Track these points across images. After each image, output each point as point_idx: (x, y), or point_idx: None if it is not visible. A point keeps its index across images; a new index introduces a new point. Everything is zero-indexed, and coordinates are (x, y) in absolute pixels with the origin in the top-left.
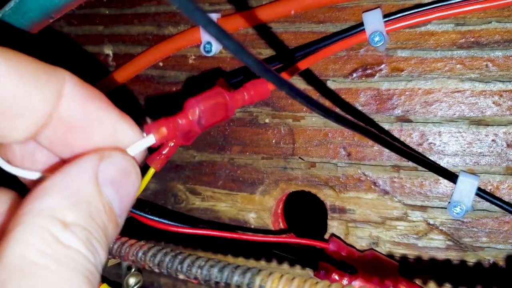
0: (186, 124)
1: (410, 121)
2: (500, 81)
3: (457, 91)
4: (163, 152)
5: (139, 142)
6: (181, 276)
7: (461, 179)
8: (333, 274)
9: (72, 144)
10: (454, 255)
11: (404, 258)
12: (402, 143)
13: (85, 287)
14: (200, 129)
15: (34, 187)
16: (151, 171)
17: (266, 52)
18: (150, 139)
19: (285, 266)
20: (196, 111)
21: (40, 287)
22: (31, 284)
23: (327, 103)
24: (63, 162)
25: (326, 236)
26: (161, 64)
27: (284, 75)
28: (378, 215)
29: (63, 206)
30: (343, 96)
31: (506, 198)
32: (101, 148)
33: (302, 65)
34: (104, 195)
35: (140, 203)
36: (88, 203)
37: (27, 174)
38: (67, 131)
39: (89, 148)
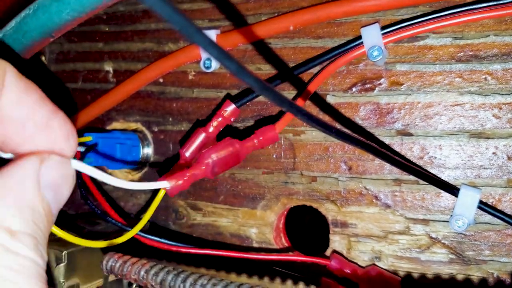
0: (200, 174)
1: (410, 134)
2: (499, 94)
3: (457, 105)
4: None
5: (152, 183)
6: None
7: (462, 192)
8: None
9: (3, 135)
10: (457, 269)
11: (407, 272)
12: (403, 157)
13: None
14: (213, 176)
15: None
16: (162, 193)
17: (266, 68)
18: (164, 184)
19: (289, 283)
20: (210, 163)
21: None
22: None
23: (327, 118)
24: None
25: (329, 251)
26: (161, 80)
27: (299, 102)
28: (380, 229)
29: (8, 213)
30: (343, 111)
31: (508, 210)
32: (40, 151)
33: (311, 88)
34: (45, 200)
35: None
36: (32, 209)
37: None
38: (2, 121)
39: (21, 141)
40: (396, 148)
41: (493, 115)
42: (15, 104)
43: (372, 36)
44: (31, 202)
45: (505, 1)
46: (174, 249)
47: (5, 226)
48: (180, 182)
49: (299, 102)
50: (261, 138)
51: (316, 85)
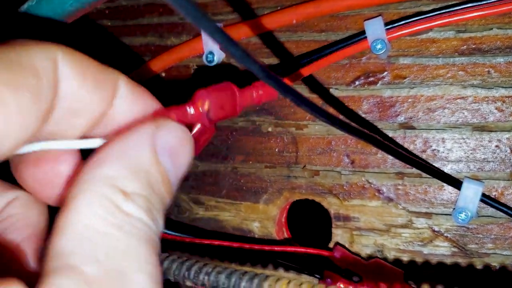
0: (195, 114)
1: (413, 128)
2: (503, 87)
3: (460, 98)
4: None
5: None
6: (188, 283)
7: (465, 185)
8: (339, 283)
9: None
10: (460, 262)
11: (409, 265)
12: (406, 150)
13: (150, 253)
14: (208, 122)
15: (93, 154)
16: None
17: (269, 61)
18: None
19: (291, 274)
20: (205, 101)
21: (109, 256)
22: (99, 253)
23: (330, 111)
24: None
25: (331, 245)
26: (163, 74)
27: (287, 81)
28: (382, 222)
29: (123, 175)
30: (346, 104)
31: (511, 204)
32: (156, 118)
33: (306, 71)
34: (161, 165)
35: None
36: (147, 173)
37: (89, 143)
38: (114, 128)
39: None
40: (399, 141)
41: (496, 108)
42: (127, 111)
43: (375, 29)
44: (147, 166)
45: None
46: (178, 239)
47: (119, 187)
48: (174, 116)
49: (287, 81)
50: (260, 91)
51: (311, 70)
